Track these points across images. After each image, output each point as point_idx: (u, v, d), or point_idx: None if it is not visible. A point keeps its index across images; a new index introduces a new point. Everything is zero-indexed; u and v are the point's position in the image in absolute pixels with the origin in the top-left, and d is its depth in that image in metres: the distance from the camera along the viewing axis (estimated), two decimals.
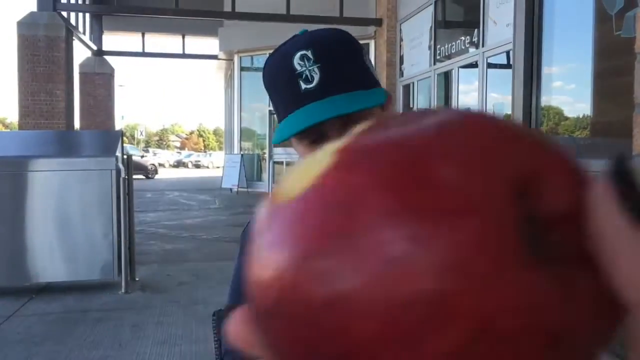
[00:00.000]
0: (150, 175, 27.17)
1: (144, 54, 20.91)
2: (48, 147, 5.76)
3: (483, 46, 8.41)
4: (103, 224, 5.01)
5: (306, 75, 0.89)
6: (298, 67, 0.90)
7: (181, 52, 20.99)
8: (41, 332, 3.98)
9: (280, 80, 0.93)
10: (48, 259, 4.99)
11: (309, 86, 0.89)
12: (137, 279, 5.35)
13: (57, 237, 5.02)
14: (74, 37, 13.68)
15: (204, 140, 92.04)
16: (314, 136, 0.91)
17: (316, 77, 0.89)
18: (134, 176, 19.16)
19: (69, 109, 12.78)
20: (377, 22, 12.30)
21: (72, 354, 3.54)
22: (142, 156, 29.88)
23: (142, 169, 26.84)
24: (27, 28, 12.13)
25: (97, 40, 18.78)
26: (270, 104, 1.01)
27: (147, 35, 20.50)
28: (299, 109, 0.90)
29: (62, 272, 5.04)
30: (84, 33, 16.16)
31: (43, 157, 5.09)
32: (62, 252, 5.01)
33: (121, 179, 5.03)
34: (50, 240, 4.99)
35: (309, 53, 0.90)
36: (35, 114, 12.24)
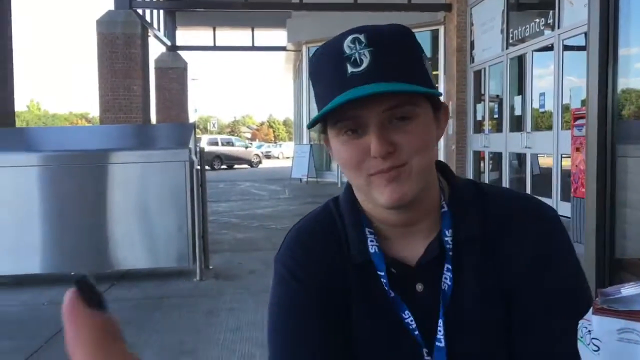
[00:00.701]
0: (254, 165, 28.55)
1: (215, 48, 21.39)
2: (127, 140, 6.02)
3: (559, 28, 8.07)
4: (178, 214, 5.19)
5: (355, 59, 0.81)
6: (347, 50, 0.81)
7: (251, 44, 21.34)
8: (122, 317, 4.15)
9: (326, 65, 0.84)
10: (128, 247, 5.23)
11: (356, 69, 0.80)
12: (210, 267, 5.52)
13: (137, 226, 5.25)
14: (149, 34, 14.18)
15: (274, 131, 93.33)
16: (353, 124, 0.83)
17: (365, 61, 0.80)
18: (239, 166, 20.31)
19: (145, 103, 13.30)
20: (447, 8, 12.03)
21: (151, 338, 3.71)
22: (247, 147, 30.97)
23: (246, 159, 28.15)
24: (105, 26, 12.69)
25: (171, 36, 19.38)
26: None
27: (218, 30, 20.95)
28: (340, 94, 0.80)
29: (141, 259, 5.28)
30: (159, 29, 16.72)
31: (122, 150, 5.32)
32: (141, 241, 5.23)
33: (194, 170, 5.19)
34: (130, 229, 5.23)
35: (361, 37, 0.82)
36: (115, 108, 12.82)
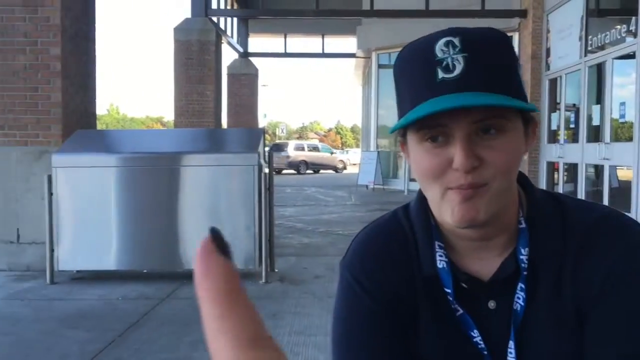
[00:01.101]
0: (339, 171, 30.00)
1: (286, 55, 21.71)
2: (199, 143, 6.21)
3: None
4: (246, 217, 5.29)
5: (447, 63, 0.76)
6: (439, 54, 0.77)
7: (321, 51, 21.53)
8: (190, 314, 4.30)
9: (414, 67, 0.80)
10: (198, 247, 5.36)
11: (447, 75, 0.76)
12: (276, 270, 5.59)
13: (206, 227, 5.36)
14: (222, 41, 14.57)
15: (341, 138, 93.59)
16: (438, 133, 0.79)
17: (458, 67, 0.76)
18: (324, 171, 21.26)
19: (217, 108, 13.66)
20: (522, 14, 11.71)
21: None
22: (332, 153, 32.61)
23: (331, 165, 29.88)
24: (182, 33, 13.14)
25: (244, 43, 19.83)
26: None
27: (288, 37, 21.25)
28: (428, 100, 0.76)
29: None
30: (232, 36, 17.15)
31: (194, 153, 5.49)
32: None
33: (262, 174, 5.28)
34: (200, 230, 5.37)
35: (456, 40, 0.77)
36: (188, 113, 13.23)
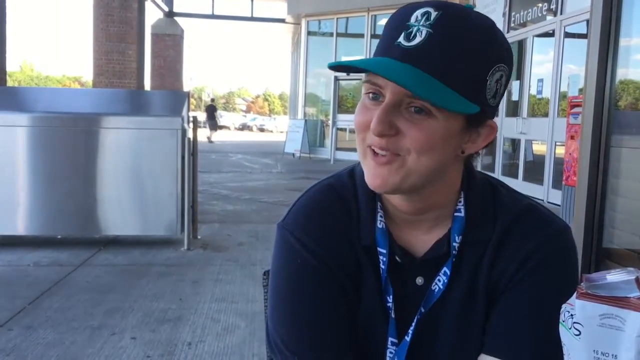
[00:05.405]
0: None
1: (213, 17, 21.13)
2: (119, 105, 5.95)
3: (561, 14, 8.02)
4: (168, 183, 5.16)
5: (411, 32, 0.76)
6: (412, 20, 0.76)
7: (250, 15, 21.09)
8: (107, 282, 4.18)
9: (391, 25, 0.80)
10: (117, 213, 5.20)
11: (404, 43, 0.75)
12: (198, 237, 5.51)
13: (126, 192, 5.21)
14: None
15: (269, 105, 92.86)
16: (377, 92, 0.79)
17: (418, 39, 0.75)
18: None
19: (140, 69, 13.16)
20: None
21: (135, 304, 3.71)
22: None
23: None
24: None
25: (169, 1, 19.10)
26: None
27: None
28: (376, 57, 0.78)
29: (130, 226, 5.26)
30: None
31: (114, 115, 5.26)
32: (130, 208, 5.21)
33: (186, 139, 5.14)
34: (119, 195, 5.19)
35: (434, 14, 0.75)
36: (109, 73, 12.68)
